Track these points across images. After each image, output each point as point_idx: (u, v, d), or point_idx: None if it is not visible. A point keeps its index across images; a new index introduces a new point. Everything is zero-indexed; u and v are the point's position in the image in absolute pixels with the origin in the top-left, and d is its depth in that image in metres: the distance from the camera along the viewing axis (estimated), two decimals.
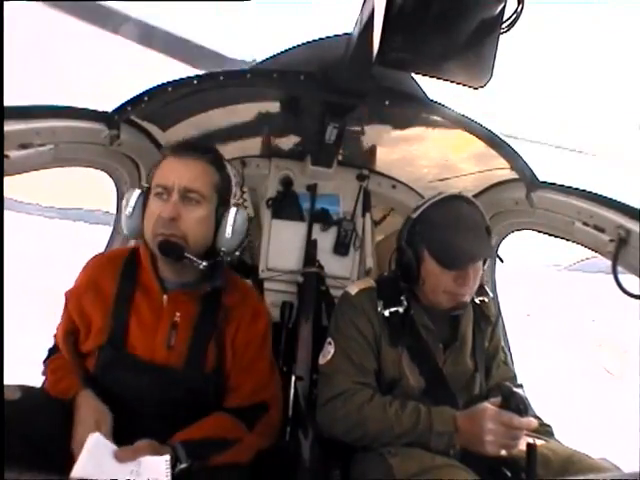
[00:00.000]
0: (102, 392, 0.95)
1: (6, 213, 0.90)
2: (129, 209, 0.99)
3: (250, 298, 1.15)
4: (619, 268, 1.08)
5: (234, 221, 1.00)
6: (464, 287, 1.07)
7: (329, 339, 1.18)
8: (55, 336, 1.10)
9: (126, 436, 0.87)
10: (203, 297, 1.04)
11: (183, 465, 0.84)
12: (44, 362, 1.10)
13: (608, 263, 1.08)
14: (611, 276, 1.05)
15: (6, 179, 0.96)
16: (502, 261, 1.05)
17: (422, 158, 1.78)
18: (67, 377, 1.00)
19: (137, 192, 1.02)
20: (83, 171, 1.36)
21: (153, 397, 0.97)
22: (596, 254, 1.18)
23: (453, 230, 1.07)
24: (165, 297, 1.01)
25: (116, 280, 1.03)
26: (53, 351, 1.11)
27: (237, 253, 1.10)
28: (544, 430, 1.14)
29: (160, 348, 0.99)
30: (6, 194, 0.92)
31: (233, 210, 1.02)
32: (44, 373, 1.08)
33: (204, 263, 0.98)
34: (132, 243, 1.33)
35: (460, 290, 1.07)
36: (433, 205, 1.12)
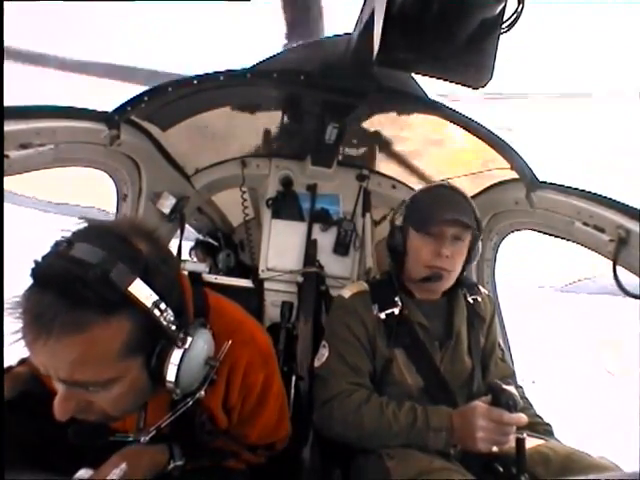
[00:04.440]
0: None
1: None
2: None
3: (242, 348, 0.85)
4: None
5: (177, 378, 0.67)
6: (441, 259, 1.11)
7: (323, 342, 1.20)
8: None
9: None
10: None
11: (178, 463, 0.84)
12: None
13: (601, 284, 1.09)
14: (607, 296, 1.06)
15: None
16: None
17: (422, 158, 1.78)
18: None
19: None
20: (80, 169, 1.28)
21: None
22: (590, 276, 1.20)
23: (434, 204, 1.16)
24: None
25: None
26: None
27: (202, 393, 0.77)
28: (544, 429, 1.15)
29: (130, 429, 0.82)
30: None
31: (176, 355, 0.67)
32: None
33: (143, 439, 0.75)
34: None
35: (438, 262, 1.12)
36: (421, 191, 1.25)
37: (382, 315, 1.15)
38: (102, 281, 0.57)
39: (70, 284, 0.56)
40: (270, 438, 1.01)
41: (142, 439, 0.75)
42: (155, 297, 0.63)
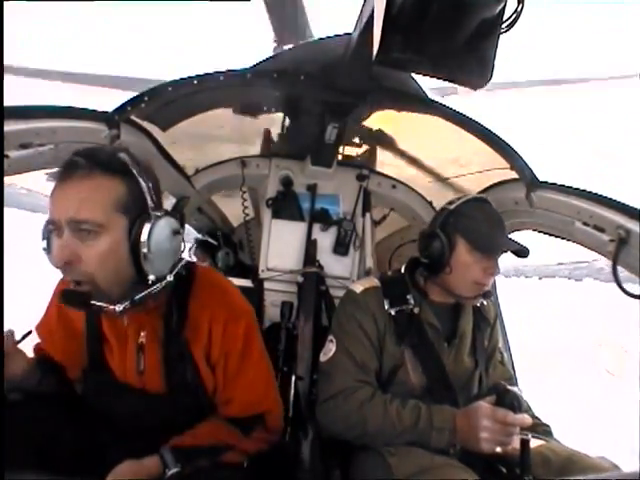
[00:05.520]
0: (93, 412, 0.97)
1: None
2: (43, 244, 0.85)
3: (223, 298, 0.99)
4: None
5: (149, 241, 0.82)
6: (490, 277, 1.13)
7: (330, 337, 1.18)
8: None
9: (117, 454, 0.86)
10: (167, 309, 0.94)
11: (173, 470, 0.84)
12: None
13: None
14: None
15: None
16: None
17: (422, 158, 1.78)
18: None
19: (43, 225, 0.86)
20: None
21: (139, 419, 0.96)
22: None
23: (489, 222, 1.14)
24: (125, 318, 0.92)
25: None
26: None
27: (171, 277, 0.89)
28: (543, 430, 1.15)
29: (131, 374, 0.95)
30: None
31: (147, 227, 0.82)
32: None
33: (117, 307, 0.85)
34: None
35: (487, 280, 1.12)
36: (467, 202, 1.18)
37: (393, 311, 1.14)
38: (112, 154, 0.86)
39: (90, 151, 0.85)
40: (257, 406, 1.01)
41: (117, 308, 0.85)
42: (144, 177, 0.86)
